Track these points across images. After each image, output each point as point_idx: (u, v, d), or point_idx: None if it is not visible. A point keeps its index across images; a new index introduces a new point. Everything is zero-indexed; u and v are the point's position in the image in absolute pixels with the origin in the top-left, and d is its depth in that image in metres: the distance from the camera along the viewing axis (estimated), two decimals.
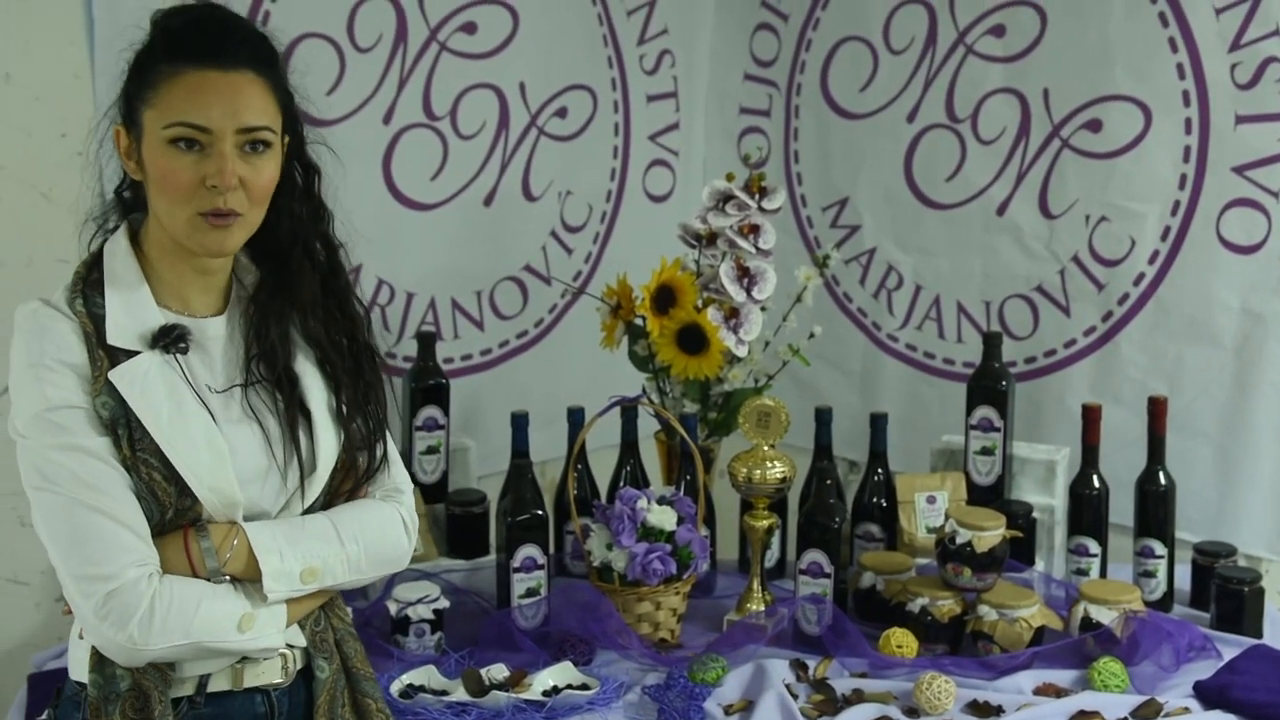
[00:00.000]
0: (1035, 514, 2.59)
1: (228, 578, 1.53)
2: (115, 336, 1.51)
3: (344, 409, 1.66)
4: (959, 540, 2.27)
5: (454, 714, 2.04)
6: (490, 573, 2.49)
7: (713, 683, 2.15)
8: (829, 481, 2.48)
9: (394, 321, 2.92)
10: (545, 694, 2.09)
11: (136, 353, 1.51)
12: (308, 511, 1.62)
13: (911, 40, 3.12)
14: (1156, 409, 2.49)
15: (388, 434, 1.72)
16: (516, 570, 2.34)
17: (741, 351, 2.59)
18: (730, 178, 2.68)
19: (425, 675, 2.14)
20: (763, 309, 2.63)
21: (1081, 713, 2.03)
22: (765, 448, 2.39)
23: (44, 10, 2.33)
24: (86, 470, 1.45)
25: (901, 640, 2.23)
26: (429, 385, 2.66)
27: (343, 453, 1.65)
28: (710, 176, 3.13)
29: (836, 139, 3.31)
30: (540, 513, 2.38)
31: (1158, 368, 2.80)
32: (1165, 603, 2.48)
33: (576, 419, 2.57)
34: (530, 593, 2.35)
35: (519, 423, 2.46)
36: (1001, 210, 3.01)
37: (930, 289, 3.17)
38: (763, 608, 2.41)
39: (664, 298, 2.60)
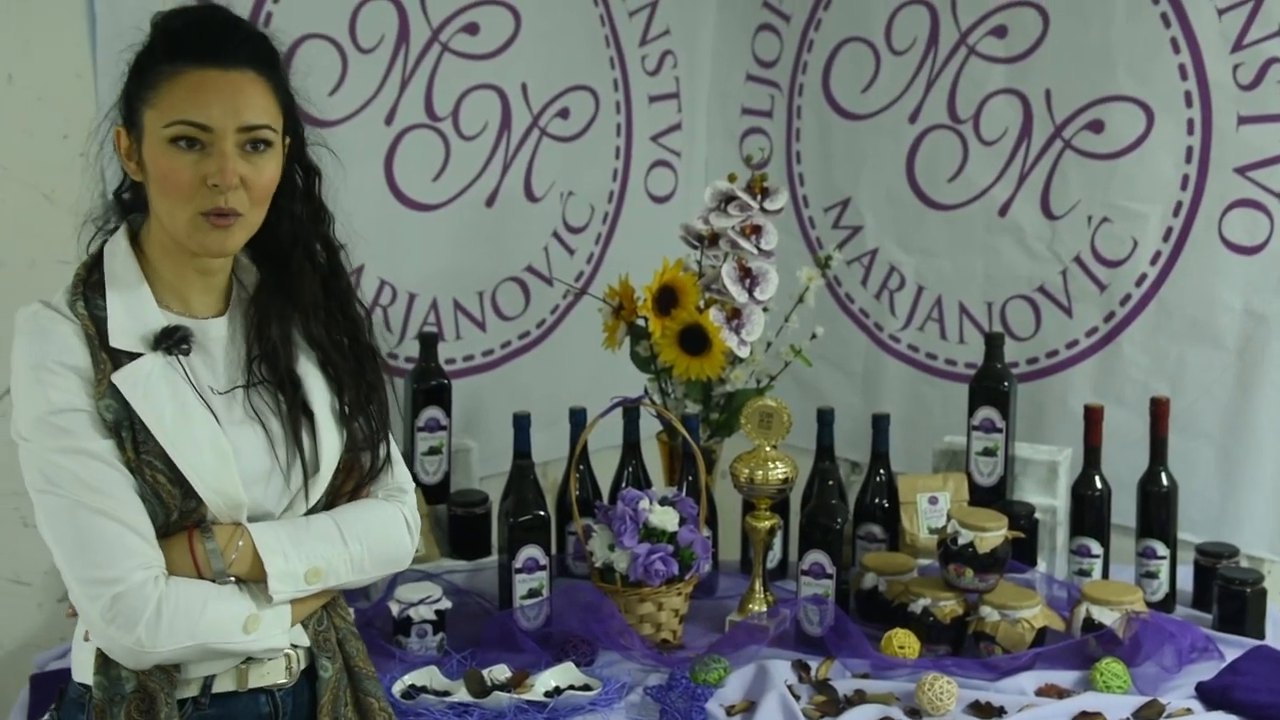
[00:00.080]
0: (1037, 515, 2.59)
1: (232, 579, 1.52)
2: (117, 338, 1.50)
3: (346, 410, 1.66)
4: (961, 541, 2.27)
5: (456, 715, 2.05)
6: (492, 573, 2.49)
7: (715, 683, 2.15)
8: (831, 482, 2.48)
9: (396, 322, 2.92)
10: (547, 695, 2.09)
11: (139, 354, 1.51)
12: (311, 512, 1.62)
13: (913, 41, 3.12)
14: (1159, 410, 2.49)
15: (390, 434, 1.72)
16: (518, 571, 2.34)
17: (743, 352, 2.59)
18: (732, 178, 2.68)
19: (427, 676, 2.14)
20: (765, 310, 2.63)
21: (1083, 714, 2.03)
22: (767, 448, 2.39)
23: (46, 11, 2.33)
24: (90, 473, 1.45)
25: (903, 641, 2.23)
26: (431, 386, 2.66)
27: (345, 453, 1.65)
28: (712, 177, 3.13)
29: (838, 140, 3.31)
30: (542, 513, 2.38)
31: (1160, 368, 2.80)
32: (1167, 604, 2.48)
33: (578, 420, 2.57)
34: (532, 593, 2.35)
35: (521, 423, 2.46)
36: (1003, 211, 3.01)
37: (932, 290, 3.17)
38: (765, 608, 2.41)
39: (666, 298, 2.60)
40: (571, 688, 2.12)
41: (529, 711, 2.05)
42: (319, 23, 2.70)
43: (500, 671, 2.16)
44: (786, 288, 2.67)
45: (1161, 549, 2.47)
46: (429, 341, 2.69)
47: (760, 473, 2.37)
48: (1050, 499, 2.63)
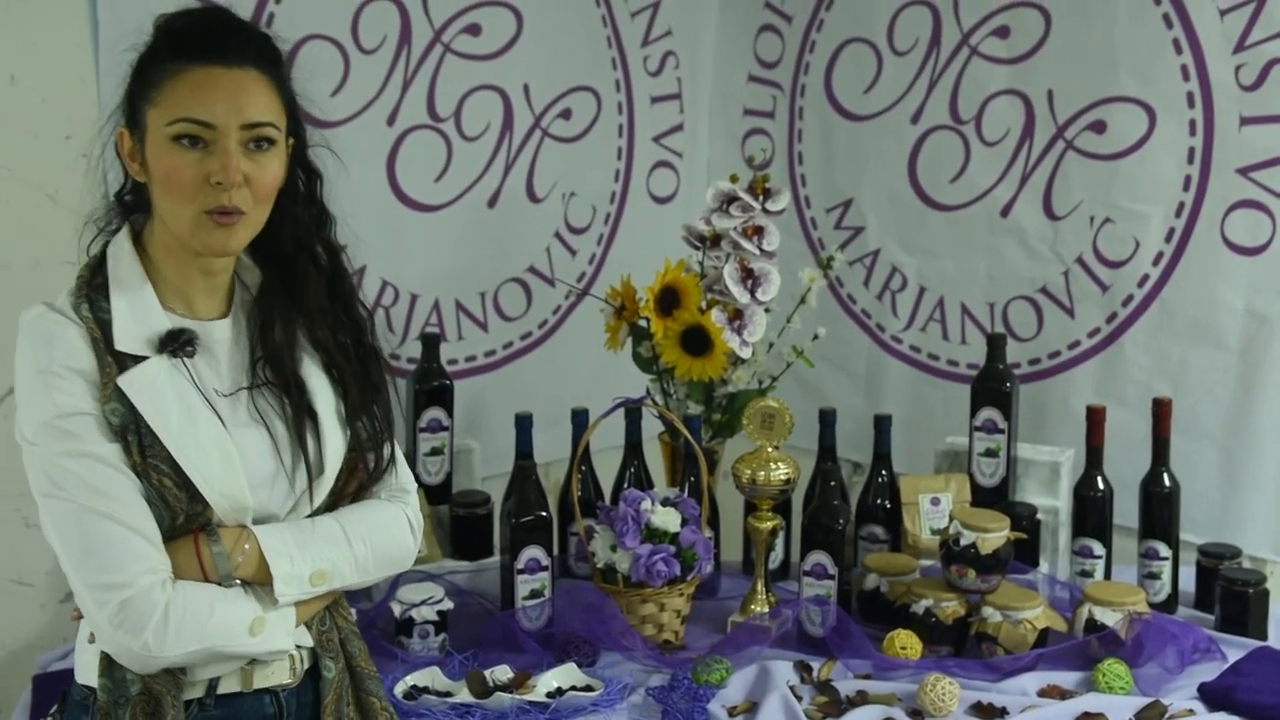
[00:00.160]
0: (1039, 515, 2.59)
1: (238, 582, 1.52)
2: (123, 342, 1.50)
3: (350, 412, 1.66)
4: (963, 542, 2.27)
5: (458, 715, 2.05)
6: (494, 574, 2.49)
7: (717, 684, 2.15)
8: (833, 483, 2.48)
9: (398, 323, 2.92)
10: (549, 695, 2.09)
11: (144, 357, 1.51)
12: (314, 513, 1.62)
13: (915, 41, 3.12)
14: (1161, 410, 2.49)
15: (393, 435, 1.72)
16: (520, 572, 2.34)
17: (745, 353, 2.59)
18: (734, 179, 2.68)
19: (429, 677, 2.14)
20: (767, 310, 2.63)
21: (1086, 714, 2.03)
22: (769, 449, 2.39)
23: (49, 12, 2.34)
24: (97, 477, 1.45)
25: (906, 642, 2.23)
26: (433, 387, 2.66)
27: (348, 454, 1.65)
28: (714, 178, 3.15)
29: (840, 140, 3.31)
30: (544, 514, 2.38)
31: (1162, 369, 2.79)
32: (1170, 604, 2.48)
33: (580, 420, 2.57)
34: (534, 594, 2.35)
35: (523, 424, 2.46)
36: (1005, 212, 3.01)
37: (934, 290, 3.17)
38: (767, 609, 2.41)
39: (668, 299, 2.61)
40: (573, 688, 2.12)
41: (531, 712, 2.05)
42: (321, 23, 2.70)
43: (502, 672, 2.16)
44: (788, 288, 2.67)
45: (1164, 550, 2.47)
46: (431, 342, 2.69)
47: (762, 473, 2.37)
48: (1052, 500, 2.63)
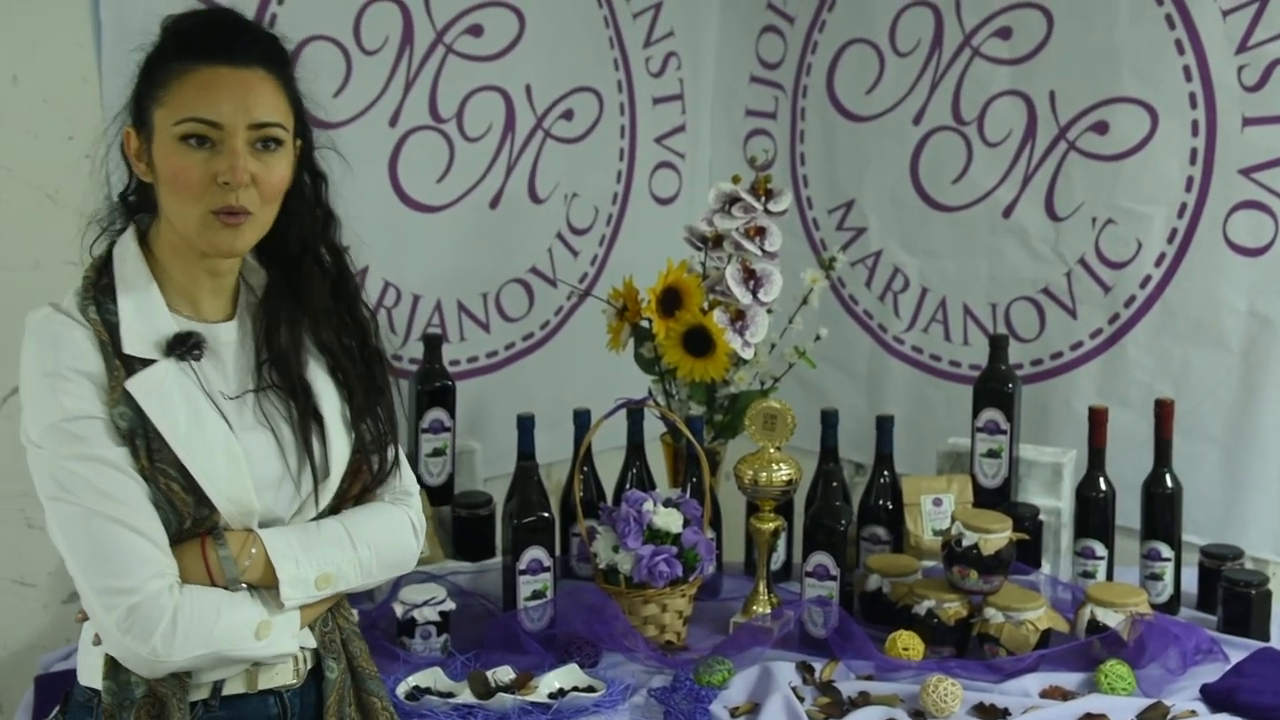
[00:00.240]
0: (1041, 516, 2.59)
1: (244, 586, 1.52)
2: (131, 345, 1.49)
3: (355, 415, 1.66)
4: (965, 543, 2.27)
5: (460, 716, 2.05)
6: (496, 575, 2.49)
7: (718, 685, 2.15)
8: (835, 484, 2.48)
9: (400, 324, 2.92)
10: (551, 696, 2.09)
11: (151, 360, 1.50)
12: (319, 516, 1.62)
13: (918, 42, 3.12)
14: (1163, 412, 2.49)
15: (397, 438, 1.72)
16: (522, 572, 2.34)
17: (747, 354, 2.59)
18: (736, 180, 2.68)
19: (431, 677, 2.14)
20: (769, 311, 2.63)
21: (1088, 715, 2.03)
22: (771, 450, 2.39)
23: (51, 12, 2.34)
24: (105, 481, 1.44)
25: (907, 643, 2.23)
26: (435, 387, 2.66)
27: (352, 457, 1.65)
28: (716, 179, 3.15)
29: (842, 141, 3.31)
30: (546, 515, 2.38)
31: (1164, 370, 2.79)
32: (1172, 605, 2.48)
33: (582, 421, 2.57)
34: (536, 595, 2.35)
35: (525, 425, 2.46)
36: (1008, 212, 3.01)
37: (936, 291, 3.17)
38: (769, 610, 2.41)
39: (670, 300, 2.60)
40: (575, 689, 2.12)
41: (533, 713, 2.05)
42: (323, 24, 2.70)
43: (504, 673, 2.16)
44: (790, 289, 2.67)
45: (1166, 551, 2.47)
46: (433, 343, 2.69)
47: (764, 474, 2.37)
48: (1054, 501, 2.63)
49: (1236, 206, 2.67)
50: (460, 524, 2.66)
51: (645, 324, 2.67)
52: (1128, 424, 2.73)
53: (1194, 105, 2.69)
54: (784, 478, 2.38)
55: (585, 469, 2.59)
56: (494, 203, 3.07)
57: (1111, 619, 2.25)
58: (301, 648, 1.60)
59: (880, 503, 2.61)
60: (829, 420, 2.62)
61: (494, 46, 3.00)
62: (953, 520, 2.34)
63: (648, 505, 2.33)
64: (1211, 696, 2.11)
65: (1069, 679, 2.17)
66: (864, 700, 2.10)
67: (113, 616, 1.43)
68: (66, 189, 2.34)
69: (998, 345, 2.63)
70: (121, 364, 1.48)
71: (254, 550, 1.53)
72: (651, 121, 3.38)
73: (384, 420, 1.69)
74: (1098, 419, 2.51)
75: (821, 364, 2.99)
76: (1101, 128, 2.83)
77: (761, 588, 2.44)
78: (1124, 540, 2.54)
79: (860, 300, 3.32)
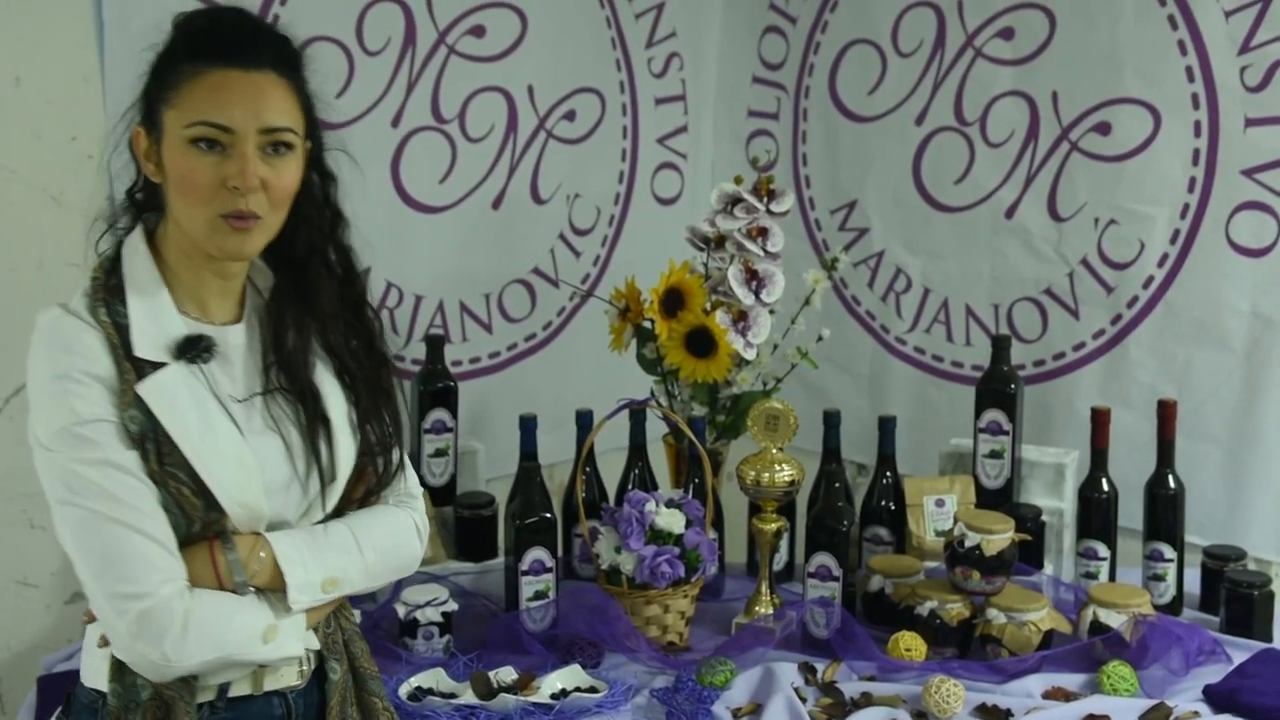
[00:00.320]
0: (1044, 517, 2.59)
1: (253, 589, 1.52)
2: (142, 348, 1.49)
3: (361, 417, 1.65)
4: (968, 543, 2.27)
5: (462, 717, 2.05)
6: (498, 575, 2.49)
7: (721, 686, 2.15)
8: (837, 484, 2.48)
9: (402, 324, 2.92)
10: (553, 697, 2.09)
11: (161, 363, 1.49)
12: (325, 519, 1.62)
13: (920, 43, 3.12)
14: (1166, 412, 2.48)
15: (402, 440, 1.72)
16: (525, 573, 2.34)
17: (750, 354, 2.59)
18: (738, 180, 2.68)
19: (434, 678, 2.14)
20: (771, 312, 2.63)
21: (1090, 716, 2.03)
22: (773, 451, 2.39)
23: (54, 13, 2.34)
24: (116, 485, 1.43)
25: (910, 643, 2.23)
26: (437, 388, 2.66)
27: (357, 459, 1.65)
28: (718, 179, 3.14)
29: (845, 142, 3.31)
30: (548, 515, 2.38)
31: (1167, 371, 2.79)
32: (1174, 606, 2.48)
33: (585, 422, 2.57)
34: (538, 595, 2.35)
35: (527, 425, 2.46)
36: (1010, 213, 3.01)
37: (939, 292, 3.17)
38: (771, 611, 2.41)
39: (672, 301, 2.60)
40: (578, 690, 2.12)
41: (535, 714, 2.05)
42: (326, 25, 2.70)
43: (506, 674, 2.16)
44: (793, 290, 2.67)
45: (1169, 552, 2.47)
46: (435, 343, 2.69)
47: (766, 475, 2.37)
48: (1057, 501, 2.63)
49: (1239, 207, 2.67)
50: (462, 524, 2.66)
51: (647, 325, 2.67)
52: (1130, 425, 2.73)
53: (1196, 106, 2.69)
54: (786, 478, 2.38)
55: (587, 469, 2.59)
56: (496, 203, 3.07)
57: (1114, 620, 2.24)
58: (306, 649, 1.60)
59: (882, 503, 2.61)
60: (831, 421, 2.62)
61: (496, 47, 3.00)
62: (955, 521, 2.34)
63: (650, 506, 2.33)
64: (1214, 697, 2.11)
65: (1071, 680, 2.17)
66: (866, 701, 2.10)
67: (124, 621, 1.42)
68: (70, 190, 2.34)
69: (1000, 346, 2.63)
70: (132, 367, 1.47)
71: (263, 554, 1.52)
72: (654, 122, 3.38)
73: (389, 423, 1.69)
74: (1100, 420, 2.50)
75: (824, 365, 2.99)
76: (1104, 128, 2.83)
77: (764, 588, 2.44)
78: (1126, 541, 2.54)
79: (863, 301, 3.32)
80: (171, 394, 1.48)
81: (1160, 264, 2.78)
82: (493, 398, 3.08)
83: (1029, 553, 2.48)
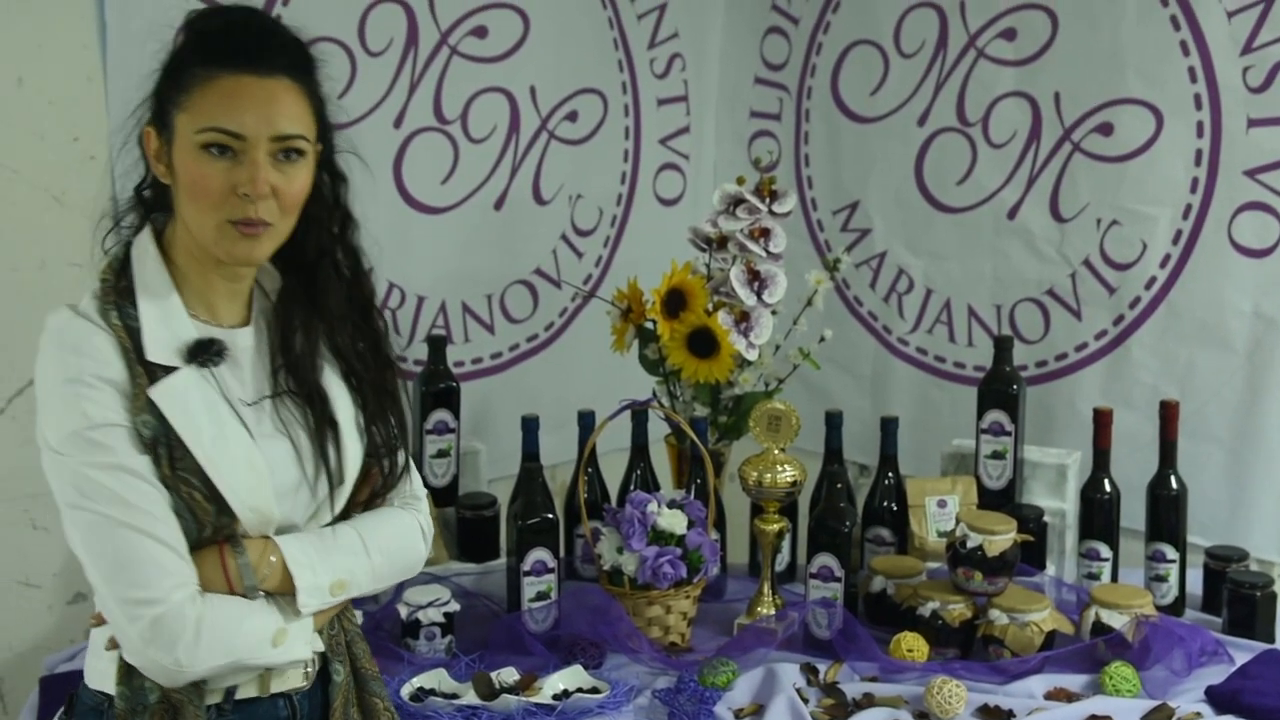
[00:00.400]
0: (1046, 518, 2.59)
1: (262, 593, 1.52)
2: (154, 352, 1.48)
3: (367, 420, 1.65)
4: (970, 544, 2.27)
5: (464, 717, 2.05)
6: (500, 576, 2.49)
7: (723, 686, 2.15)
8: (839, 485, 2.48)
9: (404, 325, 2.93)
10: (555, 697, 2.09)
11: (172, 367, 1.49)
12: (332, 521, 1.62)
13: (922, 44, 3.12)
14: (1168, 413, 2.48)
15: (407, 442, 1.72)
16: (527, 574, 2.34)
17: (752, 355, 2.59)
18: (741, 181, 2.68)
19: (436, 678, 2.14)
20: (773, 313, 2.63)
21: (1093, 717, 2.02)
22: (776, 451, 2.39)
23: (56, 14, 2.34)
24: (128, 490, 1.43)
25: (912, 644, 2.23)
26: (439, 389, 2.66)
27: (364, 461, 1.65)
28: (720, 180, 3.14)
29: (847, 142, 3.31)
30: (550, 516, 2.38)
31: (1169, 372, 2.79)
32: (1177, 607, 2.48)
33: (587, 422, 2.57)
34: (540, 596, 2.35)
35: (529, 426, 2.46)
36: (1012, 214, 3.01)
37: (941, 292, 3.17)
38: (773, 612, 2.41)
39: (674, 301, 2.60)
40: (580, 690, 2.12)
41: (537, 714, 2.05)
42: (328, 25, 2.70)
43: (508, 674, 2.16)
44: (795, 291, 2.67)
45: (1171, 552, 2.47)
46: (437, 344, 2.69)
47: (768, 476, 2.37)
48: (1059, 502, 2.62)
49: (1241, 208, 2.66)
50: (465, 525, 2.66)
51: (650, 325, 2.66)
52: (1132, 425, 2.72)
53: (1199, 106, 2.69)
54: (788, 479, 2.38)
55: (590, 470, 2.59)
56: (498, 204, 3.07)
57: (1116, 621, 2.24)
58: (312, 651, 1.60)
59: (885, 504, 2.61)
60: (833, 422, 2.62)
61: (498, 48, 3.00)
62: (957, 522, 2.34)
63: (652, 507, 2.33)
64: (1216, 698, 2.11)
65: (1074, 681, 2.17)
66: (868, 702, 2.10)
67: (137, 627, 1.42)
68: (72, 190, 2.34)
69: (1002, 347, 2.63)
70: (144, 371, 1.47)
71: (273, 559, 1.52)
72: (656, 123, 3.38)
73: (395, 425, 1.68)
74: (1102, 420, 2.50)
75: (826, 365, 2.99)
76: (1106, 129, 2.83)
77: (766, 589, 2.44)
78: (1129, 542, 2.54)
79: (865, 301, 3.32)
80: (184, 398, 1.47)
81: (1162, 264, 2.78)
82: (495, 398, 3.08)
83: (1031, 553, 2.48)
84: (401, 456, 1.70)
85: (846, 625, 2.29)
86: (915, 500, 2.59)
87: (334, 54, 2.69)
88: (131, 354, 1.47)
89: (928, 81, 3.12)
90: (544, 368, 3.21)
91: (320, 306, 1.63)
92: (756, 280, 2.60)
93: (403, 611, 2.28)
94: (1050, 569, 2.58)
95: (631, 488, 2.59)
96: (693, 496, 2.47)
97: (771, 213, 2.64)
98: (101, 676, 1.53)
